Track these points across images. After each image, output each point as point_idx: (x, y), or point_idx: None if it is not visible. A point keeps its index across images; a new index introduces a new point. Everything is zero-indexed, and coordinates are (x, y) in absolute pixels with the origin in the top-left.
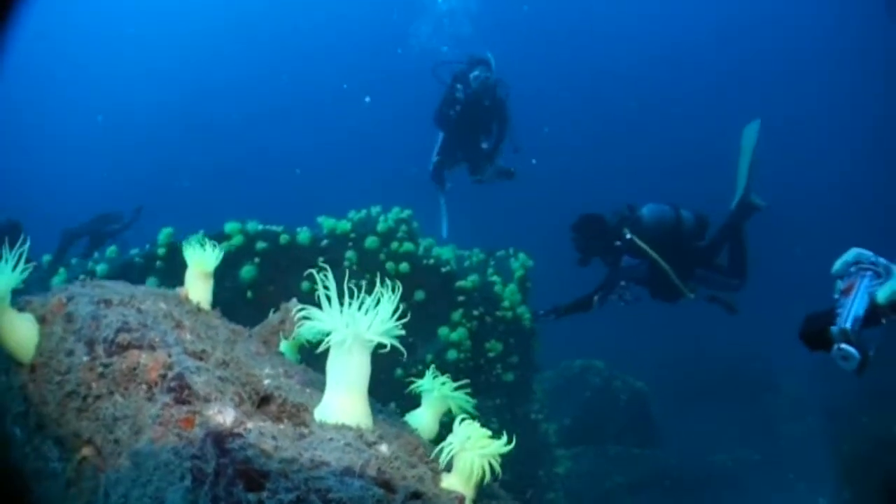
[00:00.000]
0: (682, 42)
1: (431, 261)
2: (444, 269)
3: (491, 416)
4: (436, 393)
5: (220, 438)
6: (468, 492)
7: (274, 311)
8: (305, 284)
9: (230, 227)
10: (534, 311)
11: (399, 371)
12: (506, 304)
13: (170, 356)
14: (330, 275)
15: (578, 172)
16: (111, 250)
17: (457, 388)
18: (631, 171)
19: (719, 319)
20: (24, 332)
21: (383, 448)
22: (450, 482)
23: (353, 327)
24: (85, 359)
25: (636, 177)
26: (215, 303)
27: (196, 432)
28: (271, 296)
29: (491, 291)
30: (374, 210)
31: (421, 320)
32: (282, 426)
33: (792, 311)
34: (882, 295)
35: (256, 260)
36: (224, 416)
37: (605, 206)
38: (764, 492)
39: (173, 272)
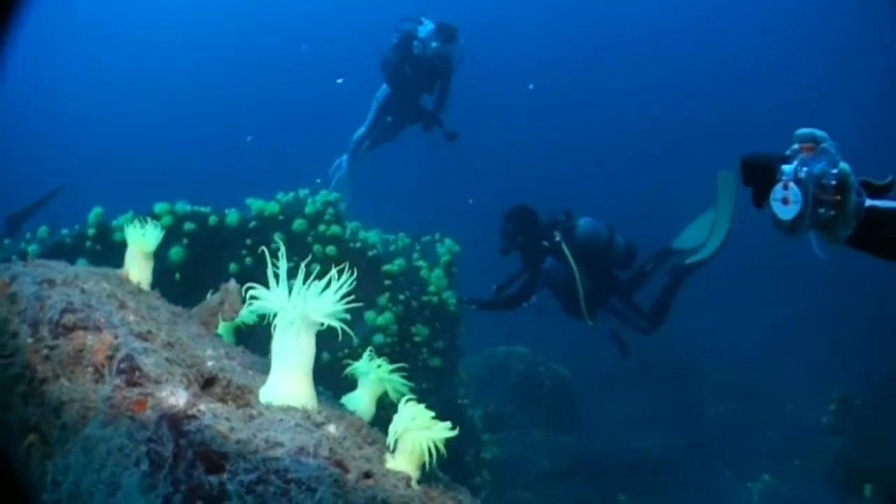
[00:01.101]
0: (670, 31)
1: (358, 244)
2: (370, 253)
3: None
4: (372, 375)
5: (175, 421)
6: (413, 472)
7: (212, 293)
8: (233, 266)
9: (159, 207)
10: (459, 296)
11: (326, 355)
12: (432, 288)
13: (116, 337)
14: (283, 255)
15: (516, 164)
16: (42, 230)
17: (393, 371)
18: (579, 173)
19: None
20: None
21: (331, 429)
22: (395, 463)
23: (301, 308)
24: (29, 341)
25: (582, 181)
26: None
27: (149, 415)
28: (200, 277)
29: (417, 276)
30: (303, 192)
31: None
32: (229, 408)
33: (714, 296)
34: (844, 164)
35: (185, 241)
36: (177, 398)
37: (540, 205)
38: (691, 477)
39: (103, 253)
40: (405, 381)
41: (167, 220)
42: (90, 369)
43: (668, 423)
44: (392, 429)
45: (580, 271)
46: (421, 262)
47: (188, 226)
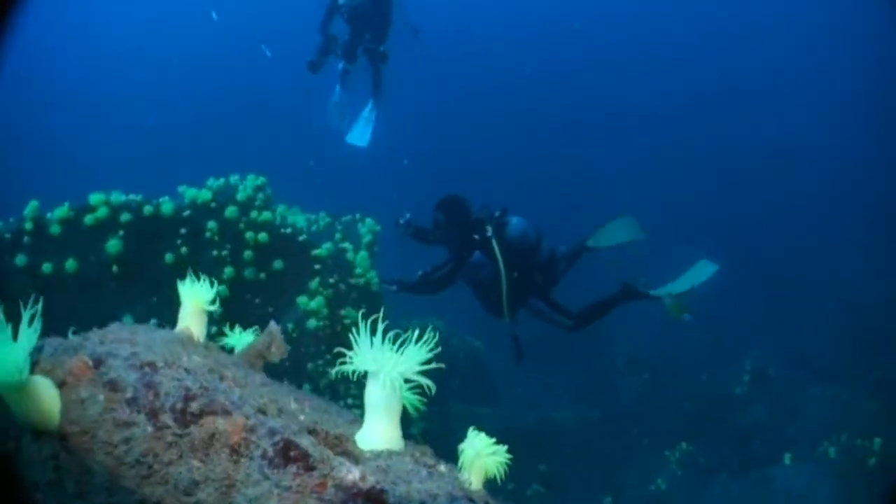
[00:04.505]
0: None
1: (289, 230)
2: (300, 238)
3: (349, 384)
4: None
5: (372, 496)
6: (481, 488)
7: (238, 330)
8: (169, 256)
9: (95, 198)
10: (380, 276)
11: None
12: (358, 270)
13: (247, 418)
14: (381, 320)
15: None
16: None
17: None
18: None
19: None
20: (48, 400)
21: (442, 468)
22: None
23: (399, 368)
24: (150, 429)
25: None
26: (83, 278)
27: (332, 492)
28: (137, 269)
29: (343, 258)
30: (233, 178)
31: (279, 290)
32: (376, 467)
33: (627, 271)
34: None
35: (121, 233)
36: (352, 473)
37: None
38: (609, 446)
39: (41, 248)
40: (421, 399)
41: (103, 211)
42: (225, 450)
43: (582, 394)
44: (464, 455)
45: (506, 269)
46: (346, 244)
47: (124, 217)
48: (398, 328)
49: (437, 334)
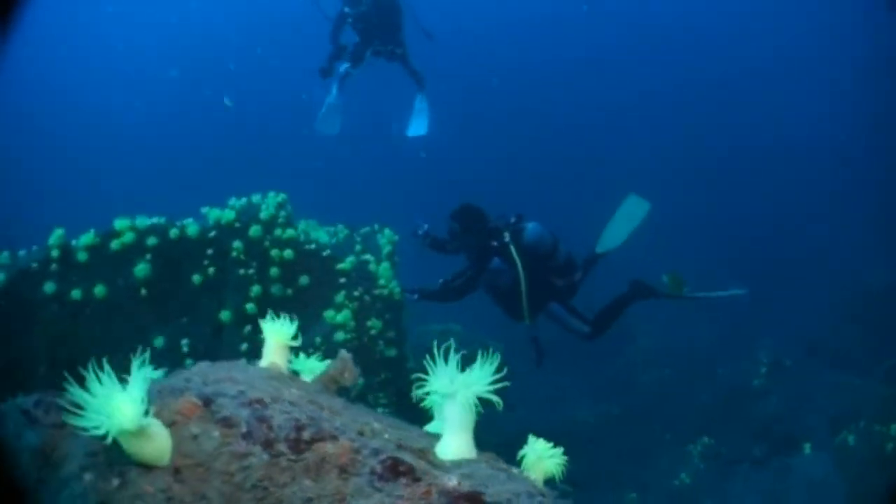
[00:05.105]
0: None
1: (313, 245)
2: (324, 253)
3: (378, 392)
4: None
5: (473, 498)
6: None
7: (303, 356)
8: (197, 277)
9: (120, 223)
10: (402, 285)
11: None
12: (381, 281)
13: (352, 441)
14: (452, 349)
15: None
16: (4, 256)
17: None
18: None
19: None
20: (161, 439)
21: (515, 470)
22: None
23: (472, 389)
24: (266, 457)
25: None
26: (112, 303)
27: (436, 498)
28: (165, 292)
29: (366, 270)
30: (255, 198)
31: (306, 305)
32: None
33: (642, 265)
34: None
35: (148, 256)
36: (451, 481)
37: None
38: (630, 442)
39: (69, 275)
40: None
41: (129, 236)
42: (335, 470)
43: (601, 392)
44: (526, 459)
45: (525, 273)
46: (368, 256)
47: (150, 240)
48: (419, 334)
49: (500, 355)
